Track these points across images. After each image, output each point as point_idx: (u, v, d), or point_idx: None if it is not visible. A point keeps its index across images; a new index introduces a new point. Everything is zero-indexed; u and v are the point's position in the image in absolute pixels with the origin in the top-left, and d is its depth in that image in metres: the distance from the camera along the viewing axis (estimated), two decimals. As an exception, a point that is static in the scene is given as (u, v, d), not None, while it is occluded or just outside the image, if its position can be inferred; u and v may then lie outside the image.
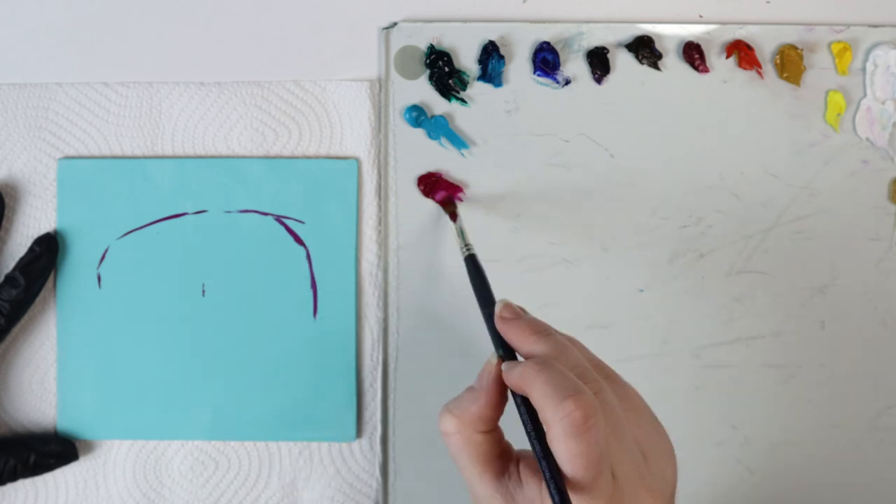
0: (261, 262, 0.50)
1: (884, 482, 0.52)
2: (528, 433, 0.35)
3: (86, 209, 0.50)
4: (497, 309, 0.39)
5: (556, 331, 0.39)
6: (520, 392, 0.36)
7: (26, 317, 0.50)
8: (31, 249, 0.48)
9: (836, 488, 0.52)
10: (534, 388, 0.34)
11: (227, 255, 0.50)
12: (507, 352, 0.38)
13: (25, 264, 0.48)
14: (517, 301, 0.50)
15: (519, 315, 0.39)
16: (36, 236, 0.49)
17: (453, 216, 0.49)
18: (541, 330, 0.37)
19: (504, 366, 0.37)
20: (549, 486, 0.33)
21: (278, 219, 0.50)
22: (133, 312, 0.50)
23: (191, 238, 0.50)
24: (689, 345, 0.51)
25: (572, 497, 0.33)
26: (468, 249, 0.44)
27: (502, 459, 0.37)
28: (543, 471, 0.33)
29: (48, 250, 0.48)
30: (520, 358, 0.38)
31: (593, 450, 0.32)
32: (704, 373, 0.52)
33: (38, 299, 0.49)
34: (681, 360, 0.51)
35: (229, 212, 0.50)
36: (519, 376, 0.35)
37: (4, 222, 0.50)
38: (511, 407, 0.37)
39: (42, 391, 0.50)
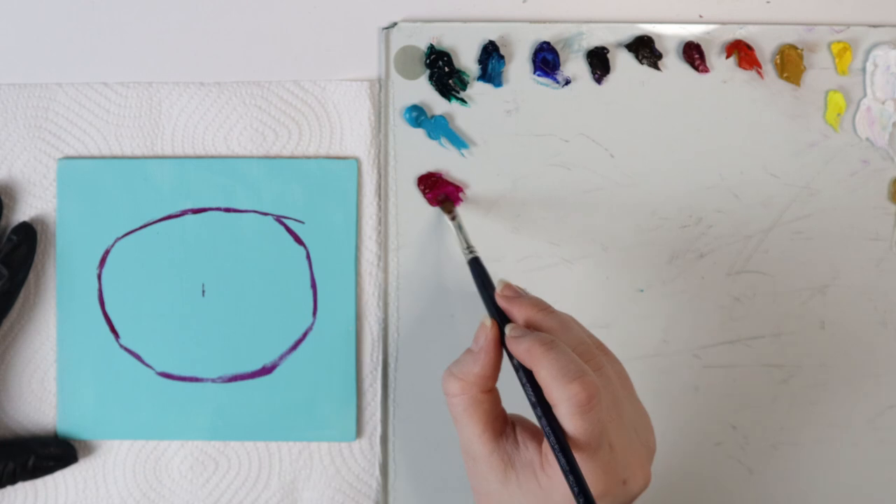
0: (261, 262, 0.50)
1: (884, 482, 0.52)
2: (530, 400, 0.37)
3: (86, 209, 0.50)
4: (498, 288, 0.41)
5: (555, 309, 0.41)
6: (525, 364, 0.38)
7: (26, 317, 0.50)
8: (8, 239, 0.48)
9: (836, 488, 0.52)
10: (541, 366, 0.36)
11: (227, 255, 0.50)
12: (505, 321, 0.40)
13: (6, 254, 0.48)
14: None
15: (519, 294, 0.41)
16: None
17: (451, 215, 0.49)
18: (544, 307, 0.40)
19: (509, 330, 0.39)
20: (554, 450, 0.35)
21: (278, 219, 0.50)
22: (133, 312, 0.50)
23: (191, 238, 0.50)
24: (689, 345, 0.51)
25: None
26: (471, 252, 0.45)
27: (501, 421, 0.39)
28: (548, 435, 0.36)
29: (27, 238, 0.48)
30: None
31: (595, 427, 0.35)
32: (704, 373, 0.52)
33: (37, 299, 0.49)
34: (681, 360, 0.51)
35: (229, 212, 0.50)
36: (526, 351, 0.37)
37: (4, 222, 0.50)
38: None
39: (42, 391, 0.50)
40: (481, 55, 0.50)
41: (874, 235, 0.52)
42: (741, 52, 0.51)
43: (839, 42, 0.51)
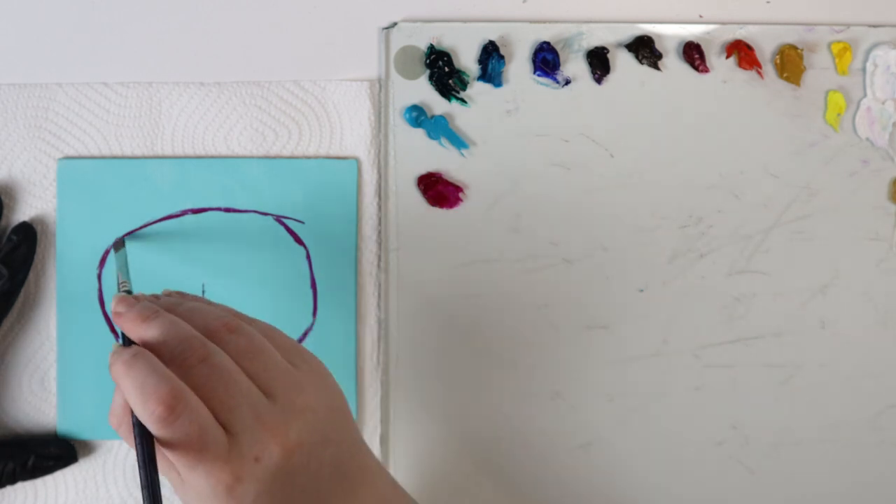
0: (261, 262, 0.50)
1: (884, 482, 0.52)
2: (133, 429, 0.36)
3: (86, 209, 0.50)
4: (112, 306, 0.40)
5: (176, 303, 0.40)
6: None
7: (26, 317, 0.50)
8: (8, 239, 0.48)
9: (837, 488, 0.52)
10: (123, 389, 0.36)
11: (227, 255, 0.50)
12: (126, 340, 0.39)
13: (6, 254, 0.48)
14: (517, 301, 0.51)
15: (132, 304, 0.39)
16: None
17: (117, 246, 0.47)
18: (149, 314, 0.38)
19: (110, 356, 0.38)
20: (143, 493, 0.35)
21: (278, 219, 0.50)
22: (133, 312, 0.50)
23: (191, 238, 0.50)
24: (689, 345, 0.51)
25: (188, 471, 0.35)
26: (122, 287, 0.43)
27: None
28: (140, 476, 0.35)
29: (27, 238, 0.48)
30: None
31: (188, 430, 0.35)
32: (704, 373, 0.52)
33: (37, 299, 0.50)
34: (681, 360, 0.51)
35: (229, 212, 0.50)
36: (114, 374, 0.36)
37: (4, 222, 0.50)
38: None
39: (42, 391, 0.50)
40: (481, 55, 0.50)
41: (874, 235, 0.52)
42: (741, 52, 0.51)
43: (839, 42, 0.51)
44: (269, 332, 0.40)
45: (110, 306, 0.40)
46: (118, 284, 0.43)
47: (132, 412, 0.36)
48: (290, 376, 0.38)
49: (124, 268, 0.46)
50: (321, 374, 0.40)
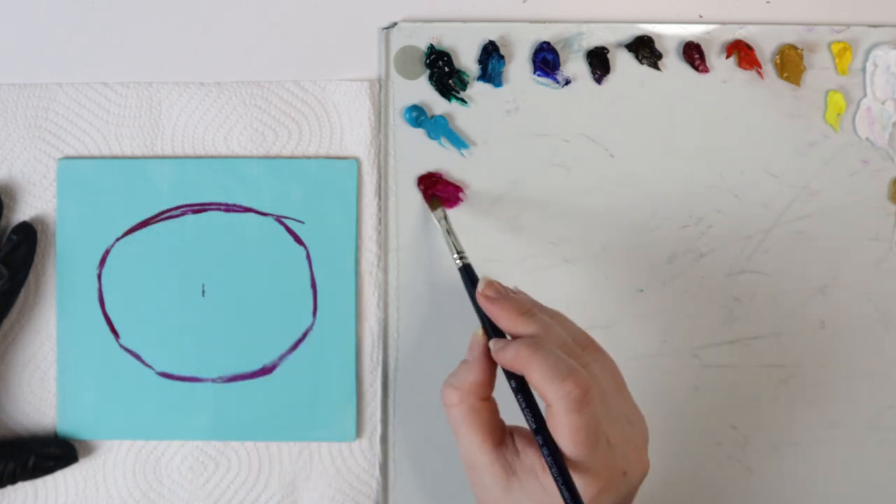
0: (261, 262, 0.50)
1: (884, 482, 0.52)
2: (524, 412, 0.38)
3: (86, 209, 0.50)
4: (480, 287, 0.41)
5: (540, 308, 0.41)
6: (515, 371, 0.38)
7: (26, 317, 0.50)
8: (9, 239, 0.48)
9: (836, 488, 0.52)
10: (531, 369, 0.37)
11: (227, 255, 0.50)
12: (493, 329, 0.40)
13: (6, 254, 0.48)
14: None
15: (503, 294, 0.41)
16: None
17: (438, 215, 0.48)
18: (526, 311, 0.40)
19: (493, 344, 0.39)
20: (551, 470, 0.36)
21: (278, 219, 0.50)
22: (133, 312, 0.50)
23: (191, 238, 0.50)
24: (689, 345, 0.51)
25: (575, 475, 0.36)
26: (461, 258, 0.44)
27: (500, 429, 0.40)
28: (545, 456, 0.36)
29: (27, 238, 0.48)
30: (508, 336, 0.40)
31: (592, 421, 0.36)
32: (704, 373, 0.52)
33: (37, 299, 0.49)
34: (681, 360, 0.51)
35: (229, 211, 0.50)
36: (514, 357, 0.37)
37: (4, 222, 0.50)
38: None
39: (42, 391, 0.50)
40: (481, 55, 0.50)
41: (874, 235, 0.52)
42: (741, 52, 0.51)
43: (839, 42, 0.51)
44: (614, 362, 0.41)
45: (479, 286, 0.41)
46: (454, 256, 0.44)
47: (525, 403, 0.37)
48: (634, 404, 0.40)
49: (453, 233, 0.46)
50: (636, 404, 0.41)
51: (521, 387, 0.38)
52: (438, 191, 0.50)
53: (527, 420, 0.38)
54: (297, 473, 0.50)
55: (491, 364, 0.40)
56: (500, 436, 0.39)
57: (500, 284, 0.41)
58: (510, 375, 0.39)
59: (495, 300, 0.40)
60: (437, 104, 0.50)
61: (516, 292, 0.42)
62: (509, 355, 0.38)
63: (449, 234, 0.47)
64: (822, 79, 0.51)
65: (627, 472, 0.38)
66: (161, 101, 0.50)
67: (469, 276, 0.43)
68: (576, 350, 0.39)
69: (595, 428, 0.36)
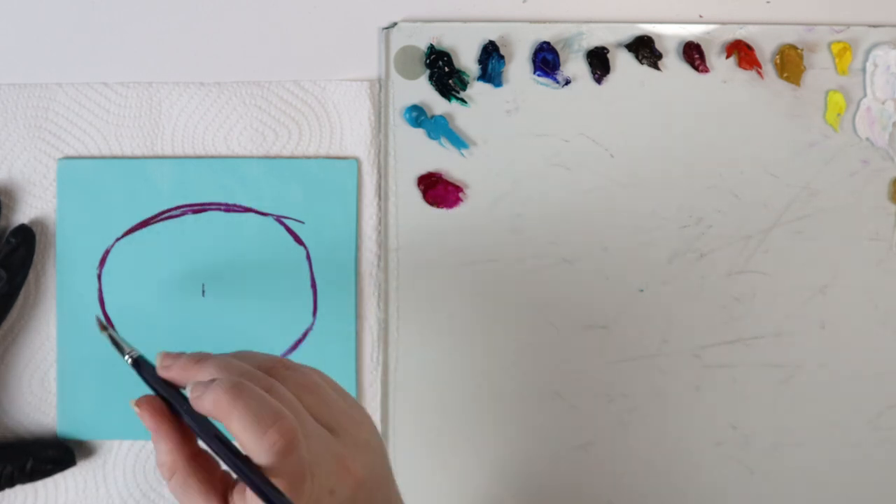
0: (261, 262, 0.50)
1: (884, 482, 0.52)
2: (228, 462, 0.35)
3: (86, 209, 0.50)
4: (157, 362, 0.38)
5: (217, 355, 0.39)
6: (216, 419, 0.36)
7: (26, 318, 0.50)
8: (7, 242, 0.48)
9: (837, 488, 0.52)
10: (231, 417, 0.34)
11: (227, 255, 0.50)
12: (175, 397, 0.38)
13: (4, 257, 0.48)
14: (518, 299, 0.51)
15: (173, 356, 0.38)
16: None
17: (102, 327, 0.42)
18: (200, 357, 0.38)
19: (191, 392, 0.36)
20: None
21: (278, 219, 0.50)
22: (133, 312, 0.50)
23: (191, 238, 0.50)
24: (689, 345, 0.51)
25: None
26: (131, 355, 0.40)
27: (221, 479, 0.37)
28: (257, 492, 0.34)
29: (25, 240, 0.48)
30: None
31: (298, 464, 0.34)
32: (704, 373, 0.52)
33: (37, 300, 0.49)
34: (681, 360, 0.51)
35: (229, 211, 0.50)
36: (213, 404, 0.35)
37: (4, 222, 0.50)
38: None
39: (42, 392, 0.50)
40: (481, 55, 0.50)
41: (874, 235, 0.52)
42: (741, 52, 0.51)
43: (839, 42, 0.51)
44: (314, 370, 0.39)
45: (156, 362, 0.38)
46: (126, 354, 0.40)
47: (224, 452, 0.35)
48: (347, 411, 0.38)
49: (121, 339, 0.41)
50: (364, 409, 0.39)
51: (217, 448, 0.36)
52: (439, 191, 0.50)
53: (232, 469, 0.35)
54: (297, 473, 0.50)
55: (170, 426, 0.37)
56: (224, 484, 0.37)
57: (173, 354, 0.39)
58: (203, 431, 0.37)
59: (170, 366, 0.38)
60: (437, 104, 0.50)
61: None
62: (208, 402, 0.35)
63: (113, 339, 0.41)
64: (822, 79, 0.51)
65: (335, 490, 0.35)
66: (161, 101, 0.50)
67: (142, 365, 0.39)
68: (260, 375, 0.37)
69: (302, 471, 0.34)
